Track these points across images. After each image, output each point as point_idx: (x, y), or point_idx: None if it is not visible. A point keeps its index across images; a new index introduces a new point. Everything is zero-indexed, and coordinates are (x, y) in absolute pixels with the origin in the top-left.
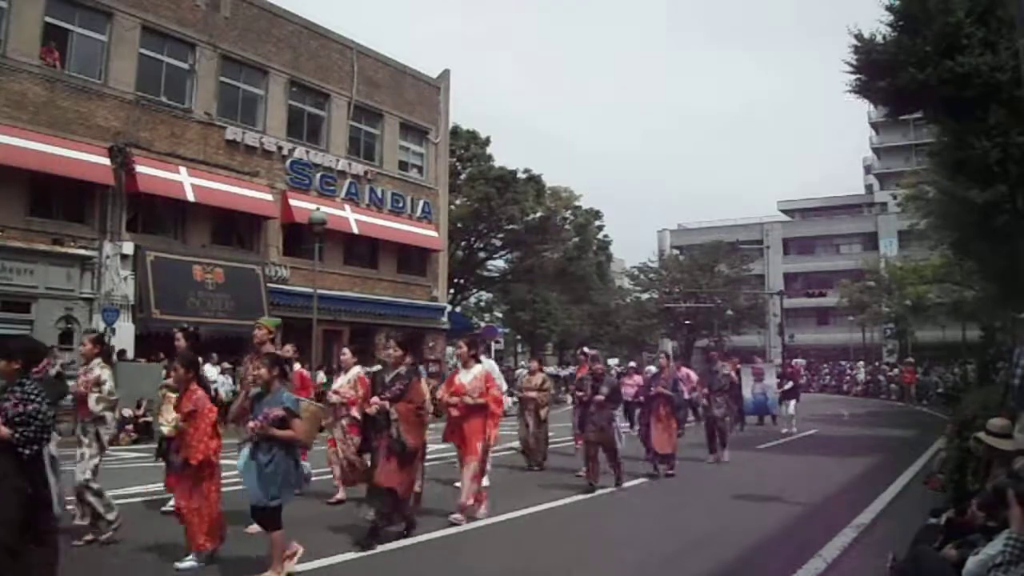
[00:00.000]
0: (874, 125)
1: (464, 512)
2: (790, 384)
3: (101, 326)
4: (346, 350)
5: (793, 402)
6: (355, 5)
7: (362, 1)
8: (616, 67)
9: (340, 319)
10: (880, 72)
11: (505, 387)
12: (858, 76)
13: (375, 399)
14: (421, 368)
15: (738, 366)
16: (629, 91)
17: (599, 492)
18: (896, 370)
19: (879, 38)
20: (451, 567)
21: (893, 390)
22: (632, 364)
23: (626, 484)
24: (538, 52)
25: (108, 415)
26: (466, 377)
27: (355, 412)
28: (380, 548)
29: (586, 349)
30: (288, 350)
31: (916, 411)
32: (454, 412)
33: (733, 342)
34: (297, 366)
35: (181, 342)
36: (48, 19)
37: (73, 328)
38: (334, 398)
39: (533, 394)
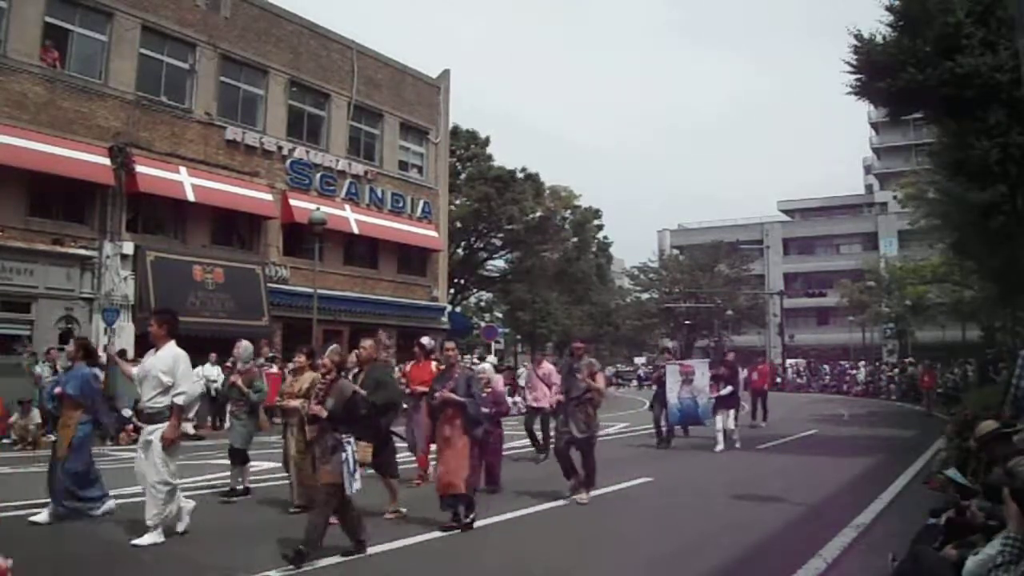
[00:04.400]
0: (874, 125)
1: None
2: (728, 389)
3: (101, 326)
4: None
5: (729, 413)
6: (355, 5)
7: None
8: (616, 67)
9: (340, 319)
10: (880, 73)
11: (194, 390)
12: (858, 76)
13: None
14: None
15: (663, 364)
16: (629, 91)
17: (594, 493)
18: (896, 370)
19: (879, 38)
20: (450, 567)
21: (893, 390)
22: (491, 360)
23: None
24: (538, 52)
25: None
26: None
27: None
28: (377, 549)
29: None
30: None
31: (916, 411)
32: None
33: (733, 342)
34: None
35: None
36: (48, 19)
37: (73, 328)
38: None
39: (296, 403)
